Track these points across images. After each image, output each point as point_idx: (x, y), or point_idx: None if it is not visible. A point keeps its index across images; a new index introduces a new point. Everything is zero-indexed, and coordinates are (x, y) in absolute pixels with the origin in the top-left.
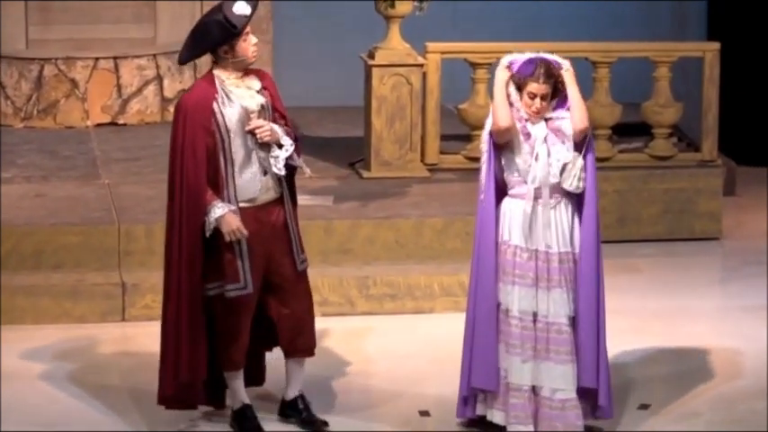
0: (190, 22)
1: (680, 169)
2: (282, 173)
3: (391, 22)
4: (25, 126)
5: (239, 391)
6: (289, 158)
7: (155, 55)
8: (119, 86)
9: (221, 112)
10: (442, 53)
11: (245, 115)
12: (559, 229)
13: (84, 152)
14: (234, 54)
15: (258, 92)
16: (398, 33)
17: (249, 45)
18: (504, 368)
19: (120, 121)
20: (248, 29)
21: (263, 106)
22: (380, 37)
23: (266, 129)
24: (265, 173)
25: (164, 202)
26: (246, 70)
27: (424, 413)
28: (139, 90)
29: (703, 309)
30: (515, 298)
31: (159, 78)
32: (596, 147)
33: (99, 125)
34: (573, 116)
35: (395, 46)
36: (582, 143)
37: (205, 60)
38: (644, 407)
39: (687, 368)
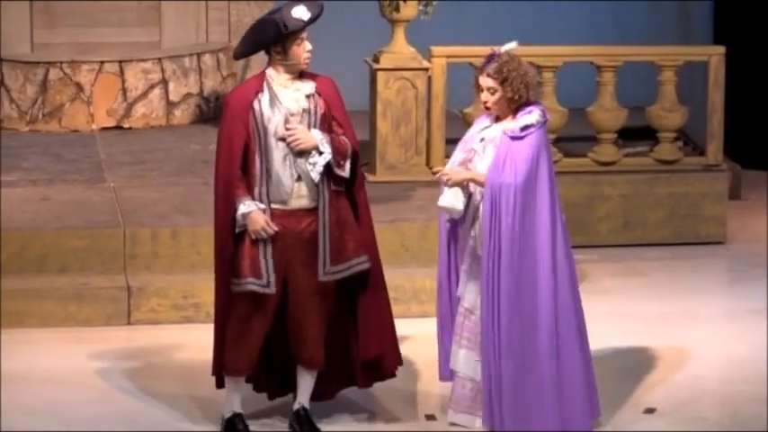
0: (195, 25)
1: (685, 173)
2: (317, 179)
3: (396, 26)
4: (30, 129)
5: (233, 399)
6: (338, 167)
7: (160, 59)
8: (124, 90)
9: (260, 111)
10: (447, 57)
11: (286, 117)
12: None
13: (90, 156)
14: (285, 56)
15: (308, 96)
16: (403, 37)
17: (302, 50)
18: None
19: (126, 125)
20: (304, 34)
21: (305, 110)
22: (385, 41)
23: (297, 138)
24: (299, 178)
25: (169, 206)
26: (307, 75)
27: (431, 417)
28: (144, 94)
29: (709, 312)
30: (465, 287)
31: (164, 82)
32: (602, 151)
33: (104, 129)
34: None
35: (400, 50)
36: None
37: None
38: (650, 411)
39: (693, 372)
